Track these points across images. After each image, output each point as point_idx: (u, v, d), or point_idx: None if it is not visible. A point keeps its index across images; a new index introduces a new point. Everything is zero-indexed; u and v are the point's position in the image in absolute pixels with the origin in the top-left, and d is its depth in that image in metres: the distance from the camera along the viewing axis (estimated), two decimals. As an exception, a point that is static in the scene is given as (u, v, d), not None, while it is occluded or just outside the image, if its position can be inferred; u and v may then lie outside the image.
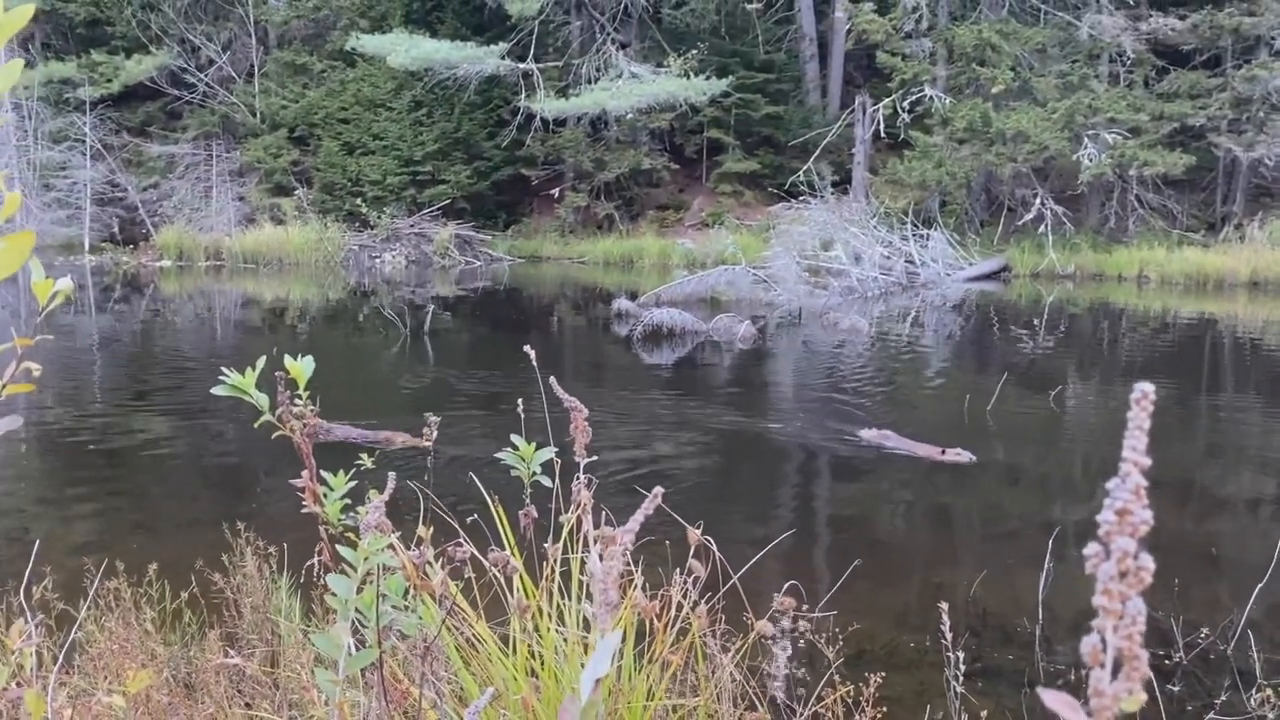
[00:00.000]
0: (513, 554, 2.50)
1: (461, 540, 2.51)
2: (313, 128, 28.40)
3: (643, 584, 2.49)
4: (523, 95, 26.58)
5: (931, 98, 23.75)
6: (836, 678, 2.86)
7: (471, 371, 11.89)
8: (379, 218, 26.71)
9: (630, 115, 26.21)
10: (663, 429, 8.70)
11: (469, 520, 2.96)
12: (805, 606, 3.22)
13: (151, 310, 18.57)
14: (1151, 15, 23.56)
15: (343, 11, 29.36)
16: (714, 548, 2.56)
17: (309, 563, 2.75)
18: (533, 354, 3.08)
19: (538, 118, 26.33)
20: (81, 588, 3.22)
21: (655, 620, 2.43)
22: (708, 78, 25.37)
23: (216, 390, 2.17)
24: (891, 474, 7.34)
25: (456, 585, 2.40)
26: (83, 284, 21.42)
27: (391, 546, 2.07)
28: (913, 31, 24.64)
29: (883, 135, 24.82)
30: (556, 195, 28.15)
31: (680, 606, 2.48)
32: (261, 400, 2.20)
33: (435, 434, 2.70)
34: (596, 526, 2.37)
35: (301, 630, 3.13)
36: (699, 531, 2.54)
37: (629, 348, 13.50)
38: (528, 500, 2.65)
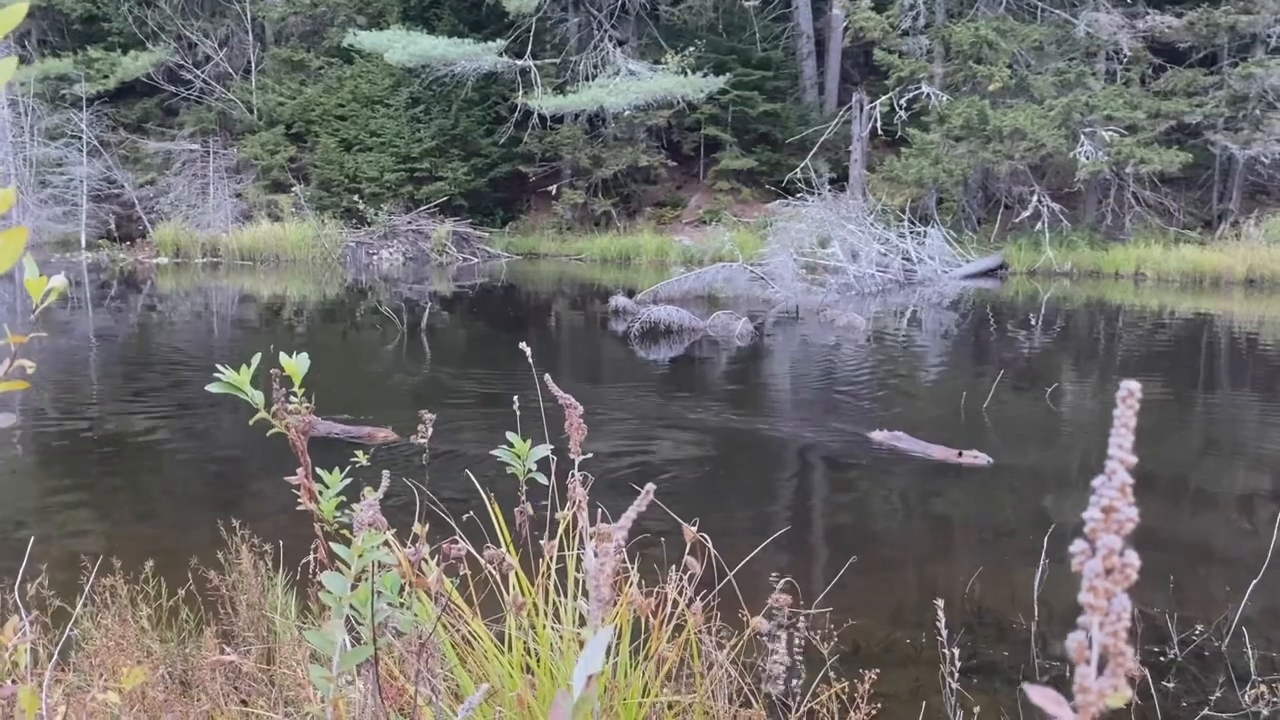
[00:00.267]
0: (508, 551, 2.50)
1: (457, 537, 2.52)
2: (310, 124, 28.37)
3: (639, 581, 2.49)
4: (520, 92, 26.57)
5: (928, 95, 23.76)
6: (832, 674, 2.87)
7: (468, 368, 11.89)
8: (376, 214, 26.70)
9: (628, 112, 26.20)
10: (659, 426, 8.71)
11: (465, 517, 2.96)
12: (801, 603, 3.23)
13: (148, 307, 18.56)
14: (1148, 13, 23.58)
15: (340, 8, 29.32)
16: (709, 545, 2.57)
17: (305, 560, 2.75)
18: (529, 351, 3.08)
19: (535, 114, 26.31)
20: (77, 585, 3.22)
21: (651, 617, 2.44)
22: (705, 75, 25.37)
23: (212, 387, 2.17)
24: (888, 472, 7.35)
25: (452, 582, 2.41)
26: (79, 281, 21.39)
27: (387, 543, 2.08)
28: (910, 29, 24.63)
29: (880, 133, 24.82)
30: (554, 192, 28.14)
31: (676, 603, 2.49)
32: (257, 397, 2.20)
33: (430, 431, 2.70)
34: (592, 523, 2.37)
35: (297, 627, 3.13)
36: (694, 528, 2.54)
37: (626, 345, 13.50)
38: (523, 497, 2.65)
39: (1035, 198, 23.06)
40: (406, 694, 2.17)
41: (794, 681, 2.77)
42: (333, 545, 1.99)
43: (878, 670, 2.79)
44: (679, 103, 25.87)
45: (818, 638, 3.20)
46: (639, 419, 8.92)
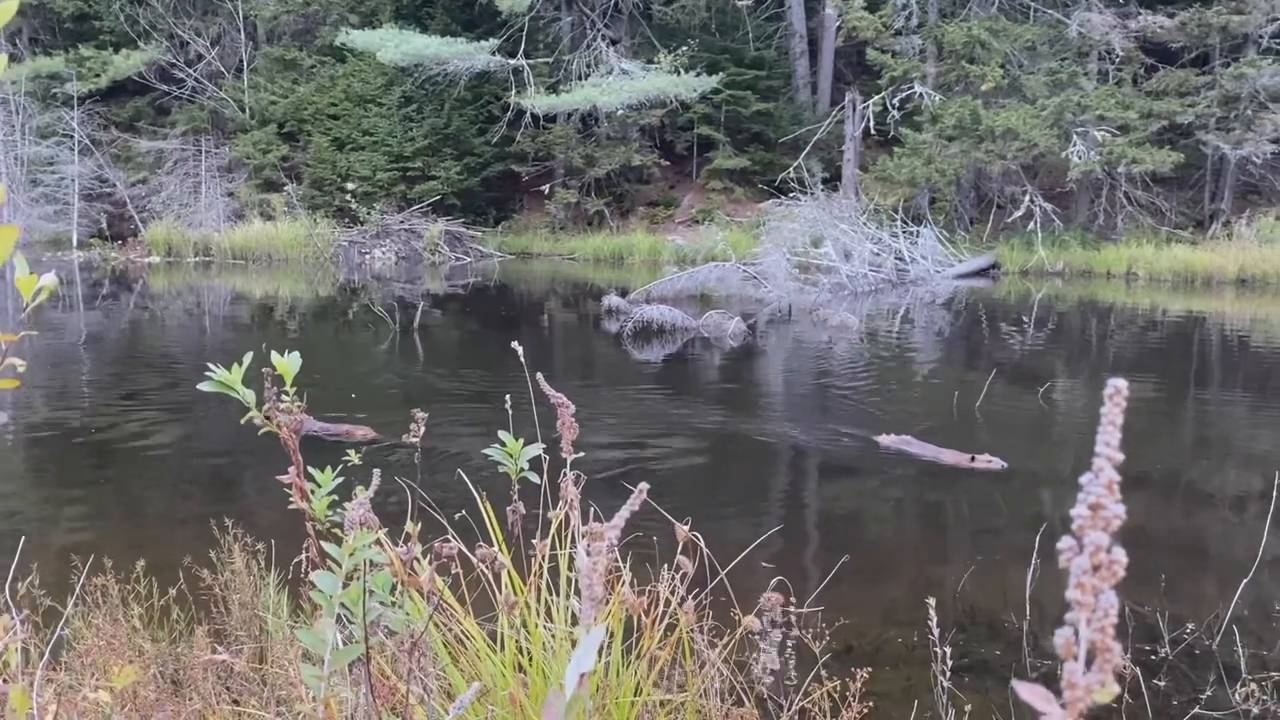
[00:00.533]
0: (501, 550, 2.50)
1: (449, 536, 2.51)
2: (302, 123, 28.33)
3: (631, 580, 2.49)
4: (513, 91, 26.56)
5: (921, 95, 23.79)
6: (823, 673, 2.87)
7: (461, 368, 11.88)
8: (368, 214, 26.66)
9: (621, 112, 26.20)
10: (652, 426, 8.71)
11: (457, 517, 2.96)
12: (793, 602, 3.23)
13: (139, 306, 18.51)
14: (1140, 13, 23.64)
15: (332, 7, 29.28)
16: (702, 544, 2.57)
17: (297, 559, 2.75)
18: (521, 350, 3.08)
19: (528, 114, 26.31)
20: (68, 584, 3.21)
21: (643, 616, 2.44)
22: (698, 74, 25.38)
23: (203, 386, 2.17)
24: (880, 471, 7.36)
25: (444, 581, 2.41)
26: (70, 280, 21.33)
27: (378, 542, 2.07)
28: (903, 29, 24.67)
29: (873, 132, 24.86)
30: (547, 192, 28.13)
31: (668, 602, 2.49)
32: (248, 396, 2.20)
33: (422, 429, 2.70)
34: (585, 522, 2.37)
35: (289, 626, 3.13)
36: (687, 528, 2.55)
37: (619, 344, 13.51)
38: (515, 496, 2.65)
39: (1027, 197, 23.10)
40: (399, 693, 2.17)
41: (786, 680, 2.78)
42: (324, 544, 1.99)
43: (870, 669, 2.80)
44: (672, 102, 25.87)
45: (810, 636, 3.20)
46: (631, 418, 8.92)
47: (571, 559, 2.42)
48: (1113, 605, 0.64)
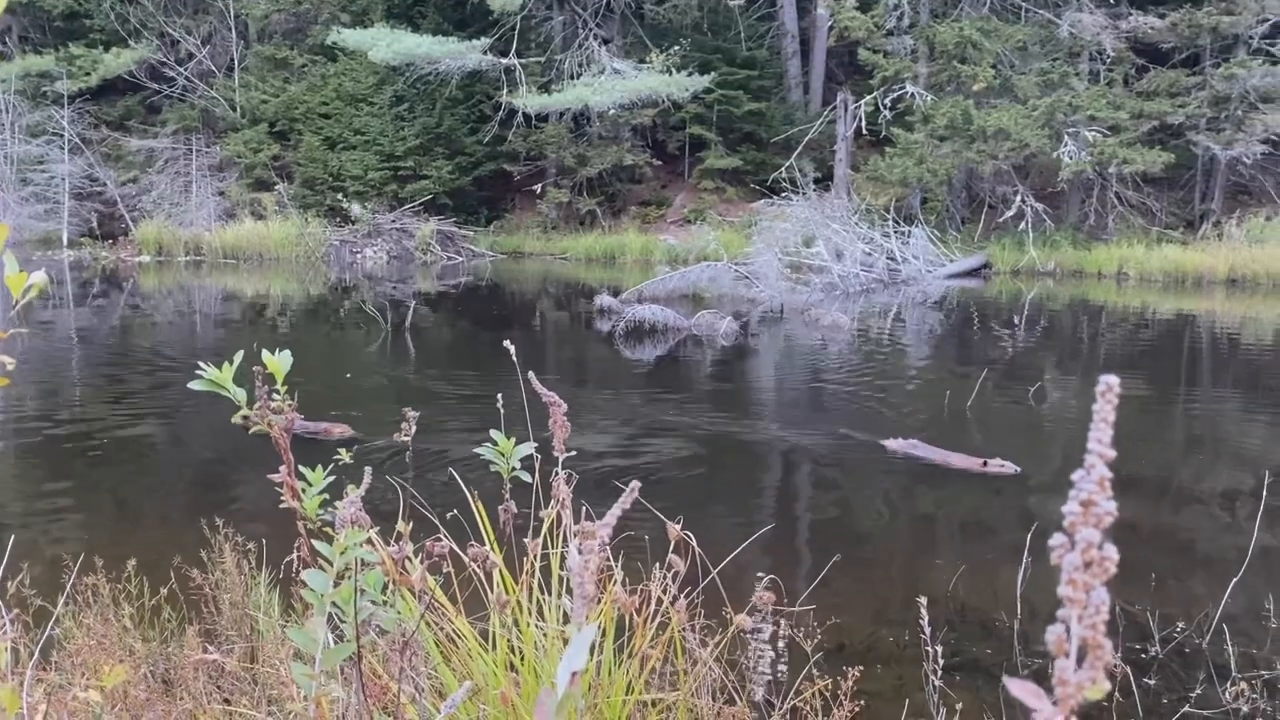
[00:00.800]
0: (492, 549, 2.50)
1: (441, 535, 2.51)
2: (293, 123, 28.27)
3: (623, 579, 2.49)
4: (505, 91, 26.53)
5: (913, 95, 23.83)
6: (815, 671, 2.88)
7: (452, 368, 11.87)
8: (360, 213, 26.62)
9: (612, 111, 26.20)
10: (643, 425, 8.71)
11: (449, 516, 2.96)
12: (785, 601, 3.24)
13: (130, 305, 18.46)
14: (1131, 14, 23.72)
15: (324, 5, 29.24)
16: (694, 543, 2.57)
17: (288, 558, 2.74)
18: (513, 350, 3.07)
19: (520, 113, 26.28)
20: (59, 583, 3.20)
21: (635, 615, 2.44)
22: (690, 74, 25.39)
23: (194, 385, 2.16)
24: (871, 470, 7.37)
25: (436, 580, 2.40)
26: (61, 279, 21.26)
27: (370, 541, 2.07)
28: (894, 29, 24.71)
29: (864, 132, 24.89)
30: (539, 191, 28.11)
31: (660, 601, 2.49)
32: (239, 395, 2.19)
33: (413, 429, 2.70)
34: (576, 521, 2.37)
35: (281, 626, 3.12)
36: (679, 527, 2.55)
37: (611, 344, 13.50)
38: (507, 496, 2.65)
39: (1019, 197, 23.16)
40: (390, 692, 2.17)
41: (777, 679, 2.78)
42: (315, 543, 1.98)
43: (861, 667, 2.80)
44: (664, 101, 25.87)
45: (801, 635, 3.21)
46: (623, 418, 8.92)
47: (563, 558, 2.42)
48: (1104, 602, 0.64)
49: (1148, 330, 15.90)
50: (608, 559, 2.37)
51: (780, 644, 2.84)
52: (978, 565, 5.27)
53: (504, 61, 26.61)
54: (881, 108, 23.98)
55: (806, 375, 11.96)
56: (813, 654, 3.10)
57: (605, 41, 27.89)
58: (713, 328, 13.91)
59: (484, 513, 2.67)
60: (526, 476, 2.62)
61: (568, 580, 2.30)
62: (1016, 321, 16.00)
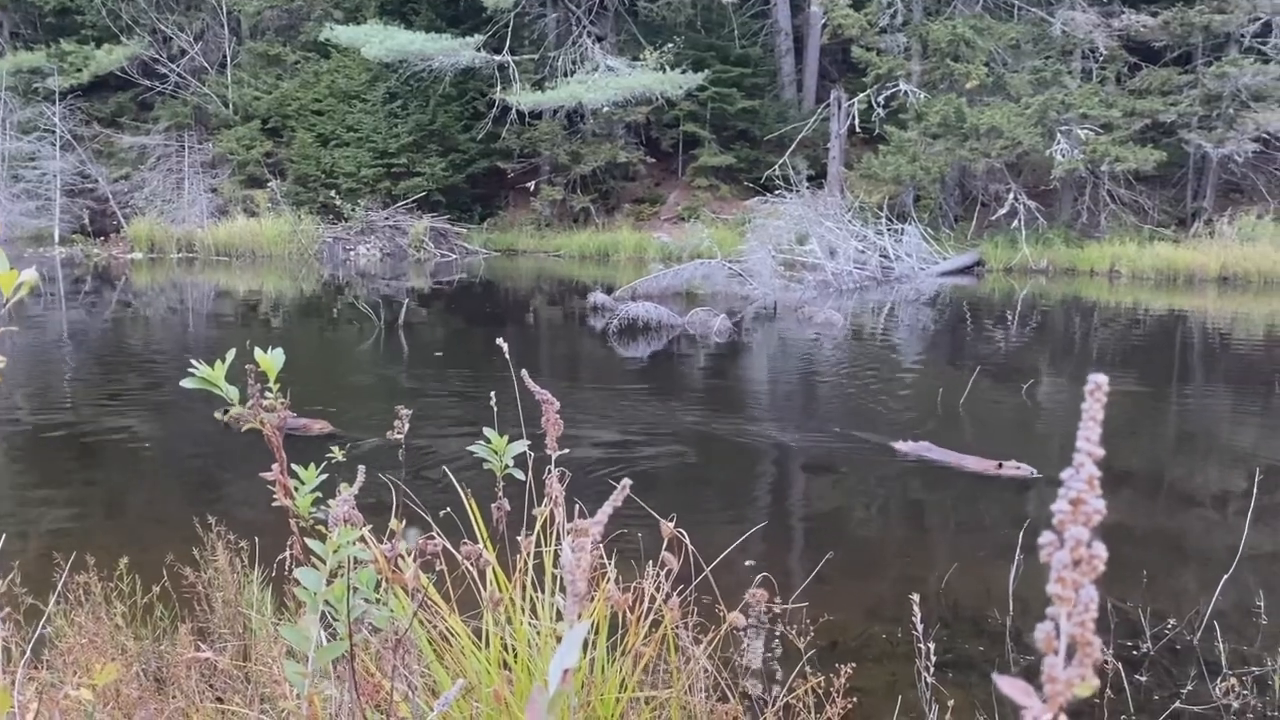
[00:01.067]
0: (486, 547, 2.50)
1: (434, 533, 2.51)
2: (286, 119, 28.20)
3: (616, 577, 2.50)
4: (498, 88, 26.50)
5: (906, 93, 23.85)
6: (808, 669, 2.88)
7: (445, 365, 11.86)
8: (353, 210, 26.57)
9: (606, 108, 26.18)
10: (637, 423, 8.71)
11: (442, 514, 2.96)
12: (778, 598, 3.24)
13: (122, 303, 18.41)
14: (1124, 12, 23.76)
15: (317, 2, 29.16)
16: (687, 540, 2.57)
17: (281, 556, 2.74)
18: (506, 347, 3.07)
19: (513, 110, 26.25)
20: (50, 582, 3.20)
21: (628, 613, 2.44)
22: (684, 71, 25.38)
23: (186, 383, 2.16)
24: (864, 468, 7.38)
25: (429, 578, 2.40)
26: (52, 276, 21.19)
27: (363, 539, 2.07)
28: (888, 27, 24.73)
29: (858, 130, 24.90)
30: (532, 188, 28.09)
31: (653, 599, 2.49)
32: (231, 393, 2.19)
33: (406, 426, 2.70)
34: (570, 519, 2.37)
35: (273, 624, 3.12)
36: (672, 524, 2.55)
37: (604, 342, 13.50)
38: (500, 493, 2.65)
39: (1011, 195, 23.20)
40: (383, 690, 2.17)
41: (770, 676, 2.78)
42: (308, 541, 1.98)
43: (854, 664, 2.81)
44: (657, 99, 25.86)
45: (794, 632, 3.21)
46: (616, 415, 8.92)
47: (556, 556, 2.42)
48: (1093, 600, 0.64)
49: (1139, 328, 15.94)
50: (601, 557, 2.37)
51: (773, 641, 2.84)
52: (970, 563, 5.29)
53: (497, 58, 26.58)
54: (875, 105, 24.00)
55: (799, 373, 11.97)
56: (805, 651, 3.11)
57: (599, 39, 27.87)
58: (706, 325, 13.92)
59: (477, 510, 2.67)
60: (520, 474, 2.62)
61: (561, 578, 2.30)
62: (1009, 319, 16.03)
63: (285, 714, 2.38)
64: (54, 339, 13.62)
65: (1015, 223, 23.08)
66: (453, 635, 2.41)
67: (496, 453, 2.61)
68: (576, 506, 2.51)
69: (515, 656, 2.39)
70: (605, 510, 1.75)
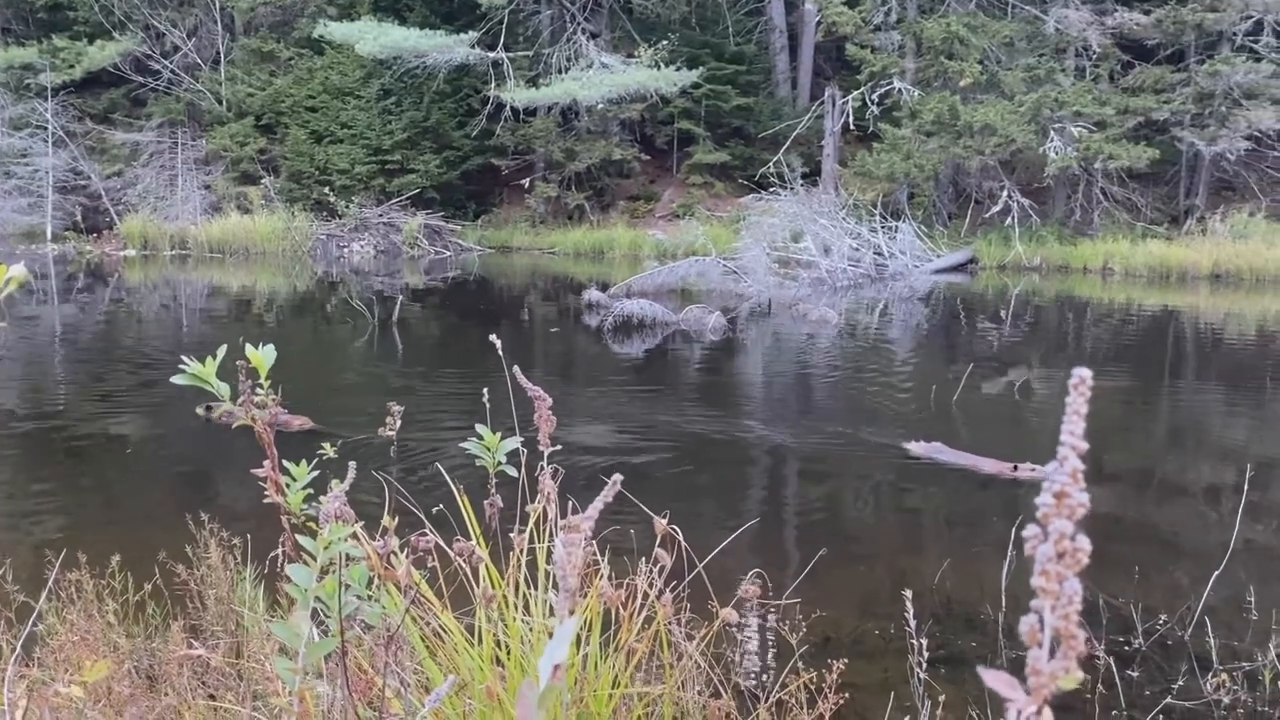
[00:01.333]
0: (478, 544, 2.50)
1: (427, 530, 2.51)
2: (280, 116, 28.13)
3: (609, 573, 2.50)
4: (493, 84, 26.46)
5: (900, 90, 23.88)
6: (800, 664, 2.89)
7: (439, 362, 11.85)
8: (347, 207, 26.52)
9: (601, 105, 26.15)
10: (631, 420, 8.72)
11: (434, 510, 2.96)
12: (770, 595, 3.25)
13: (115, 300, 18.36)
14: (1117, 10, 23.80)
15: (310, -1, 29.09)
16: (680, 537, 2.58)
17: (273, 553, 2.74)
18: (499, 344, 3.07)
19: (508, 107, 26.21)
20: (42, 579, 3.19)
21: (621, 609, 2.45)
22: (678, 69, 25.36)
23: (177, 380, 2.15)
24: (856, 465, 7.39)
25: (421, 575, 2.40)
26: (45, 273, 21.14)
27: (355, 535, 2.07)
28: (882, 24, 24.74)
29: (852, 127, 24.92)
30: (527, 185, 28.05)
31: (646, 595, 2.49)
32: (222, 390, 2.19)
33: (399, 423, 2.69)
34: (563, 516, 2.37)
35: (265, 621, 3.12)
36: (665, 521, 2.55)
37: (599, 339, 13.50)
38: (493, 490, 2.65)
39: (1005, 193, 23.23)
40: (375, 687, 2.17)
41: (763, 671, 2.79)
42: (299, 538, 1.98)
43: (846, 660, 2.81)
44: (652, 96, 25.84)
45: (787, 628, 3.22)
46: (610, 412, 8.93)
47: (549, 552, 2.42)
48: (1077, 592, 0.64)
49: (1132, 325, 15.98)
50: (594, 553, 2.38)
51: (766, 636, 2.85)
52: (963, 559, 5.30)
53: (492, 55, 26.54)
54: (869, 103, 24.02)
55: (794, 370, 11.98)
56: (798, 646, 3.11)
57: (593, 36, 27.84)
58: (701, 322, 13.92)
59: (470, 507, 2.67)
60: (513, 471, 2.62)
61: (554, 574, 2.31)
62: (1002, 316, 16.05)
63: (277, 711, 2.38)
64: (46, 336, 13.58)
65: (1009, 220, 23.11)
66: (445, 632, 2.41)
67: (489, 449, 2.61)
68: (570, 503, 2.52)
69: (508, 653, 2.39)
70: (596, 505, 1.75)
